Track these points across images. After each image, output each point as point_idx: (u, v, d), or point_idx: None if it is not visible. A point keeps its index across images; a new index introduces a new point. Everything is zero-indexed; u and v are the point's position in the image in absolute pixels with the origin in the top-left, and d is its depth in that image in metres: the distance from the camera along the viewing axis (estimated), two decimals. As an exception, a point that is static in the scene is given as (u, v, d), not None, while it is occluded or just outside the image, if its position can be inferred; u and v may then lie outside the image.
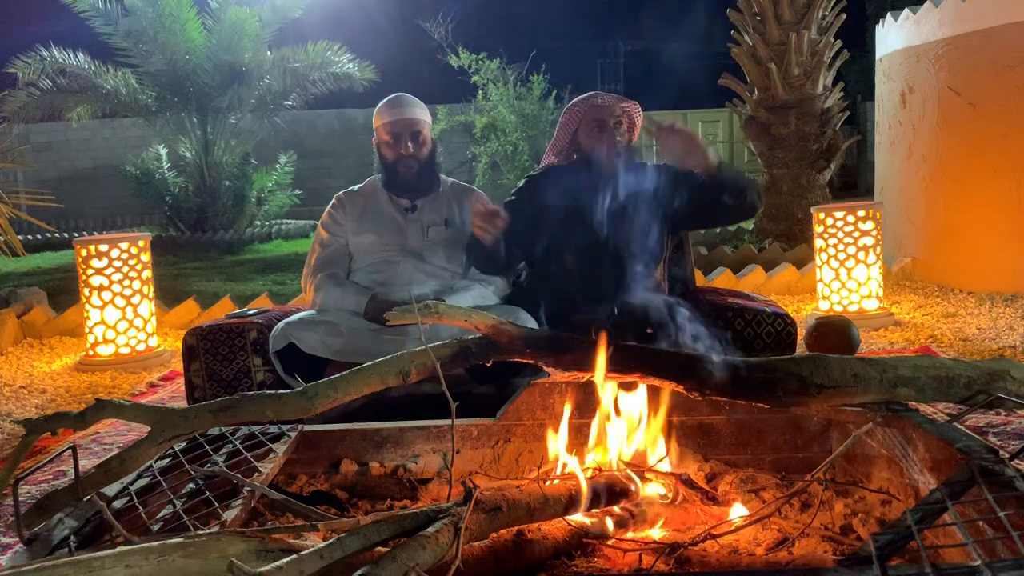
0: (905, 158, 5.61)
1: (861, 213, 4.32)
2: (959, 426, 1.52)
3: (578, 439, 1.82)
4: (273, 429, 1.91)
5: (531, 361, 1.71)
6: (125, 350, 4.11)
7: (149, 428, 1.47)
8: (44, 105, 10.14)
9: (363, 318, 2.61)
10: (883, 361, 1.60)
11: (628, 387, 1.78)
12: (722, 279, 5.18)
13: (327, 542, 1.10)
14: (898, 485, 1.68)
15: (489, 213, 2.45)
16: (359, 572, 1.05)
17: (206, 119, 10.27)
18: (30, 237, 10.84)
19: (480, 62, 12.62)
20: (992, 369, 1.58)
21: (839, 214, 4.35)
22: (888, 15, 5.89)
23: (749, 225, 7.50)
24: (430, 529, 1.19)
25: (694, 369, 1.58)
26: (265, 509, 1.76)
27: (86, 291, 4.08)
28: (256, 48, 10.19)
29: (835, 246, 4.35)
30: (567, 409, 1.78)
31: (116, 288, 4.07)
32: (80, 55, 10.06)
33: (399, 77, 9.23)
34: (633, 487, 1.68)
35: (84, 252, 4.06)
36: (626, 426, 1.79)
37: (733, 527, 1.53)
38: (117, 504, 1.52)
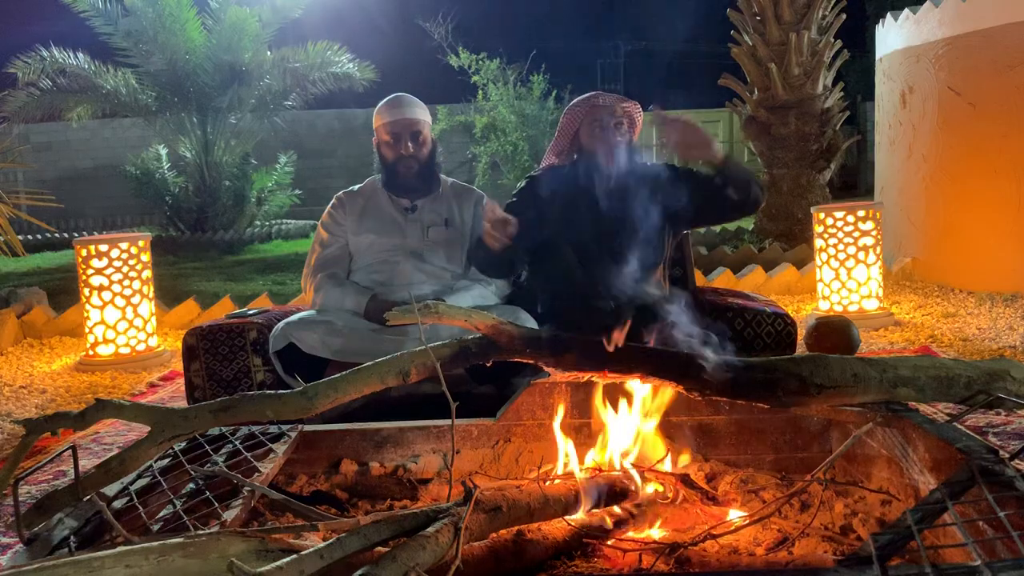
0: (905, 158, 5.61)
1: (861, 213, 4.32)
2: (959, 426, 1.53)
3: (578, 439, 1.82)
4: (273, 429, 1.91)
5: (531, 361, 1.71)
6: (125, 350, 4.11)
7: (149, 428, 1.47)
8: (44, 105, 10.14)
9: (363, 318, 2.61)
10: (883, 361, 1.60)
11: (627, 387, 1.78)
12: (722, 279, 5.18)
13: (327, 542, 1.10)
14: (898, 485, 1.68)
15: (500, 221, 2.43)
16: (359, 572, 1.05)
17: (206, 119, 10.27)
18: (30, 237, 10.84)
19: (480, 62, 12.61)
20: (992, 369, 1.59)
21: (839, 214, 4.35)
22: (888, 15, 5.89)
23: (749, 225, 7.50)
24: (430, 529, 1.19)
25: (694, 369, 1.58)
26: (265, 509, 1.76)
27: (86, 291, 4.08)
28: (256, 48, 10.19)
29: (835, 246, 4.35)
30: (561, 409, 1.78)
31: (116, 288, 4.07)
32: (80, 55, 10.06)
33: (399, 77, 9.23)
34: (633, 487, 1.68)
35: (84, 252, 4.06)
36: (626, 426, 1.79)
37: (733, 527, 1.53)
38: (117, 504, 1.52)
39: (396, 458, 1.99)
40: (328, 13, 13.47)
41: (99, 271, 4.04)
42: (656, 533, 1.57)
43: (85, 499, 1.43)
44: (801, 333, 3.28)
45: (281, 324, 2.59)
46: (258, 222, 11.05)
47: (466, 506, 1.27)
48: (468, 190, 2.97)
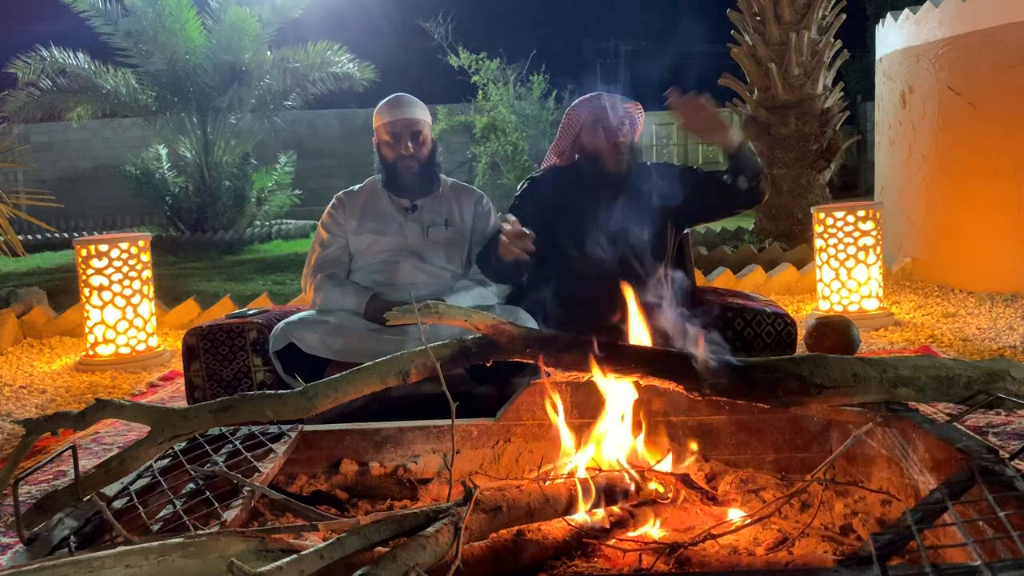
0: (905, 158, 5.61)
1: (861, 213, 4.32)
2: (959, 426, 1.52)
3: (578, 439, 1.82)
4: (273, 429, 1.91)
5: (531, 361, 1.71)
6: (125, 350, 4.11)
7: (149, 428, 1.47)
8: (44, 105, 10.15)
9: (363, 318, 2.61)
10: (883, 361, 1.60)
11: (626, 387, 1.78)
12: (722, 279, 5.18)
13: (327, 542, 1.10)
14: (898, 485, 1.68)
15: (517, 234, 2.42)
16: (359, 572, 1.05)
17: (206, 119, 10.27)
18: (30, 237, 10.84)
19: (480, 62, 12.61)
20: (992, 369, 1.59)
21: (839, 214, 4.35)
22: (888, 15, 5.89)
23: (749, 225, 7.51)
24: (430, 529, 1.19)
25: (694, 369, 1.58)
26: (265, 509, 1.76)
27: (86, 291, 4.08)
28: (256, 48, 10.19)
29: (835, 246, 4.35)
30: (562, 409, 1.78)
31: (116, 288, 4.07)
32: (80, 55, 10.07)
33: (399, 77, 9.23)
34: (633, 487, 1.68)
35: (84, 252, 4.06)
36: (625, 426, 1.79)
37: (733, 527, 1.53)
38: (117, 504, 1.52)
39: (396, 458, 1.99)
40: (328, 13, 13.47)
41: (99, 271, 4.04)
42: (656, 533, 1.57)
43: (85, 499, 1.43)
44: (801, 333, 3.28)
45: (281, 324, 2.59)
46: (258, 222, 11.06)
47: (466, 506, 1.27)
48: (468, 190, 2.97)
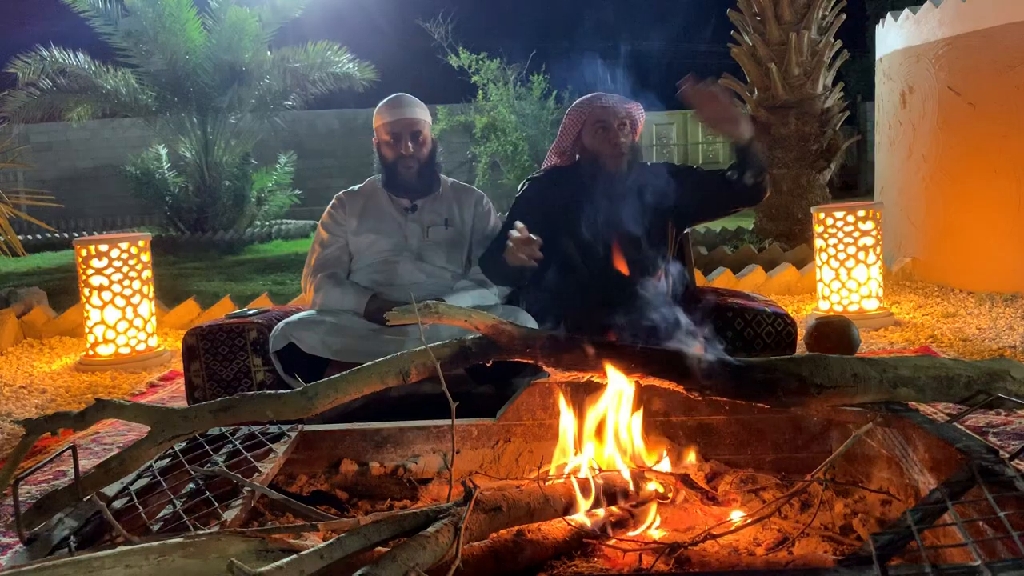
0: (905, 158, 5.61)
1: (861, 213, 4.32)
2: (959, 426, 1.52)
3: (579, 439, 1.82)
4: (273, 429, 1.91)
5: (531, 361, 1.71)
6: (125, 350, 4.11)
7: (149, 428, 1.47)
8: (44, 105, 10.15)
9: (363, 318, 2.61)
10: (883, 361, 1.60)
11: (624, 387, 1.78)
12: (722, 279, 5.18)
13: (327, 542, 1.10)
14: (898, 485, 1.68)
15: (525, 240, 2.41)
16: (359, 572, 1.05)
17: (206, 119, 10.27)
18: (30, 237, 10.84)
19: (480, 62, 12.60)
20: (992, 369, 1.59)
21: (839, 214, 4.35)
22: (888, 15, 5.89)
23: (749, 225, 7.50)
24: (430, 529, 1.19)
25: (694, 369, 1.58)
26: (265, 509, 1.76)
27: (86, 291, 4.08)
28: (256, 48, 10.19)
29: (835, 246, 4.35)
30: (564, 409, 1.78)
31: (116, 288, 4.07)
32: (80, 55, 10.07)
33: (399, 77, 9.23)
34: (633, 487, 1.68)
35: (84, 252, 4.06)
36: (625, 426, 1.79)
37: (733, 527, 1.53)
38: (117, 504, 1.52)
39: (396, 458, 1.99)
40: (328, 13, 13.47)
41: (99, 271, 4.04)
42: (656, 533, 1.57)
43: (85, 499, 1.43)
44: (801, 333, 3.28)
45: (281, 324, 2.59)
46: (258, 222, 11.06)
47: (466, 506, 1.27)
48: (468, 190, 2.97)
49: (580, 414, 1.84)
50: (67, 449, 1.52)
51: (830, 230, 4.36)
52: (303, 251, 7.80)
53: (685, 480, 1.76)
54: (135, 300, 4.12)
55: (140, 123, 11.30)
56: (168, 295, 5.60)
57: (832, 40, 6.79)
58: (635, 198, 2.66)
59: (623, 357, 1.64)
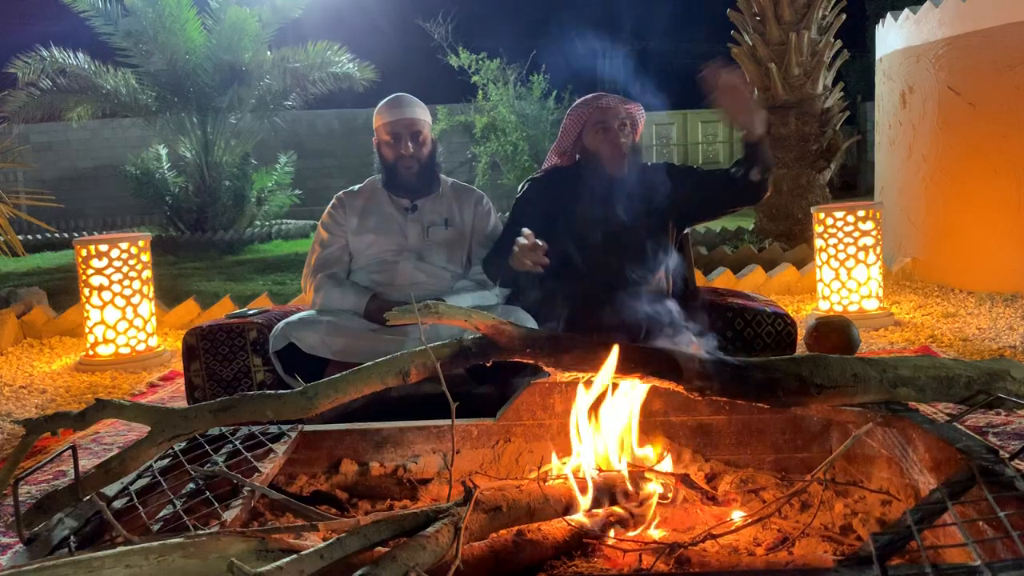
0: (905, 158, 5.61)
1: (861, 213, 4.32)
2: (959, 426, 1.52)
3: (579, 439, 1.82)
4: (273, 429, 1.91)
5: (531, 361, 1.71)
6: (125, 350, 4.11)
7: (149, 428, 1.47)
8: (44, 105, 10.15)
9: (363, 318, 2.62)
10: (883, 361, 1.60)
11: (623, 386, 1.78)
12: (722, 279, 5.18)
13: (327, 542, 1.10)
14: (898, 485, 1.68)
15: (532, 247, 2.40)
16: (359, 572, 1.05)
17: (206, 119, 10.27)
18: (30, 237, 10.84)
19: (480, 62, 12.61)
20: (992, 369, 1.59)
21: (839, 214, 4.35)
22: (888, 15, 5.89)
23: (749, 225, 7.50)
24: (430, 529, 1.19)
25: (694, 369, 1.58)
26: (265, 509, 1.76)
27: (86, 291, 4.08)
28: (256, 48, 10.19)
29: (835, 246, 4.35)
30: (567, 409, 1.78)
31: (116, 288, 4.07)
32: (80, 55, 10.07)
33: (399, 77, 9.22)
34: (633, 487, 1.68)
35: (84, 252, 4.06)
36: (625, 426, 1.79)
37: (733, 527, 1.53)
38: (117, 504, 1.52)
39: (396, 458, 1.99)
40: (328, 13, 13.47)
41: (99, 271, 4.04)
42: (656, 533, 1.57)
43: (85, 499, 1.43)
44: (801, 333, 3.28)
45: (281, 324, 2.59)
46: (258, 222, 11.06)
47: (466, 506, 1.27)
48: (468, 190, 2.97)
49: (580, 414, 1.84)
50: (67, 449, 1.52)
51: (830, 230, 4.36)
52: (303, 251, 7.80)
53: (685, 480, 1.76)
54: (135, 300, 4.12)
55: (140, 123, 11.30)
56: (168, 295, 5.60)
57: (832, 40, 6.79)
58: (635, 198, 2.66)
59: (623, 357, 1.64)
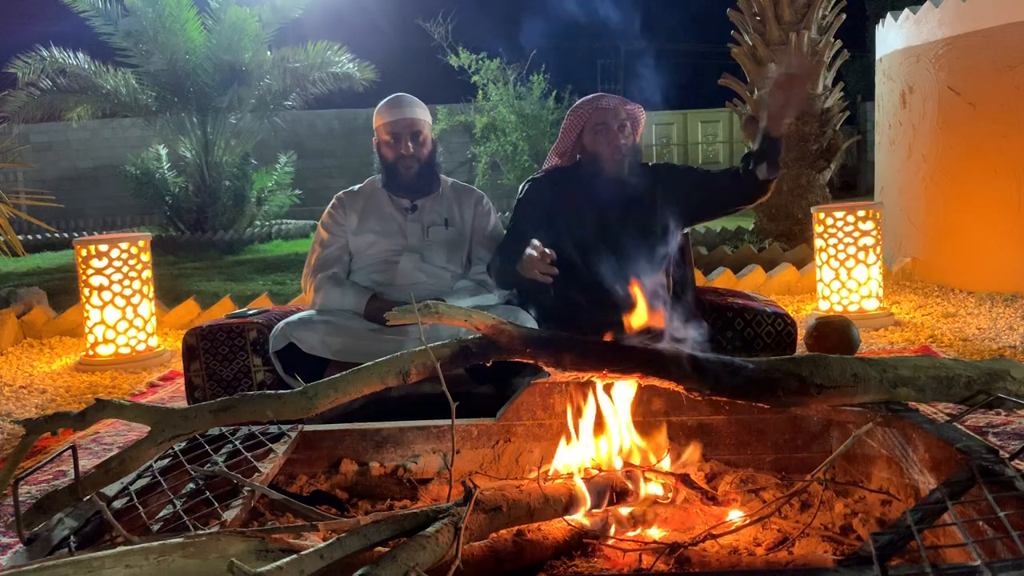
0: (905, 158, 5.61)
1: (861, 213, 4.32)
2: (959, 426, 1.52)
3: (579, 439, 1.82)
4: (273, 429, 1.91)
5: (531, 361, 1.71)
6: (125, 350, 4.11)
7: (149, 428, 1.47)
8: (44, 105, 10.15)
9: (363, 318, 2.62)
10: (883, 361, 1.60)
11: (623, 387, 1.78)
12: (722, 279, 5.18)
13: (327, 542, 1.10)
14: (898, 485, 1.68)
15: (543, 257, 2.39)
16: (359, 572, 1.05)
17: (206, 119, 10.27)
18: (30, 237, 10.84)
19: (480, 62, 12.61)
20: (992, 369, 1.59)
21: (839, 214, 4.35)
22: (888, 15, 5.89)
23: (749, 225, 7.50)
24: (430, 529, 1.19)
25: (694, 369, 1.58)
26: (265, 509, 1.76)
27: (86, 291, 4.08)
28: (256, 48, 10.19)
29: (835, 246, 4.35)
30: (568, 409, 1.78)
31: (116, 288, 4.07)
32: (80, 55, 10.07)
33: (399, 77, 9.22)
34: (633, 487, 1.68)
35: (84, 252, 4.06)
36: (625, 426, 1.79)
37: (733, 527, 1.53)
38: (117, 504, 1.52)
39: (396, 458, 1.99)
40: (328, 13, 13.47)
41: (99, 271, 4.04)
42: (656, 533, 1.57)
43: (85, 499, 1.43)
44: (801, 333, 3.28)
45: (281, 324, 2.59)
46: (258, 222, 11.06)
47: (466, 506, 1.27)
48: (468, 190, 2.97)
49: (580, 413, 1.84)
50: (67, 449, 1.52)
51: (830, 230, 4.36)
52: (303, 251, 7.80)
53: (685, 480, 1.76)
54: (135, 300, 4.12)
55: (140, 123, 11.31)
56: (168, 295, 5.60)
57: (832, 40, 6.79)
58: (636, 199, 2.66)
59: (623, 357, 1.64)
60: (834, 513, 1.67)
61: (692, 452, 1.89)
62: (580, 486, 1.61)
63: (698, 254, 6.20)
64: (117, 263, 4.06)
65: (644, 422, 1.87)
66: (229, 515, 1.43)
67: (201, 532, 1.29)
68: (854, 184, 13.68)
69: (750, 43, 6.99)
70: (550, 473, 1.74)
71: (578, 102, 2.80)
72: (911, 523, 1.15)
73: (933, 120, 5.23)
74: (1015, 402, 1.52)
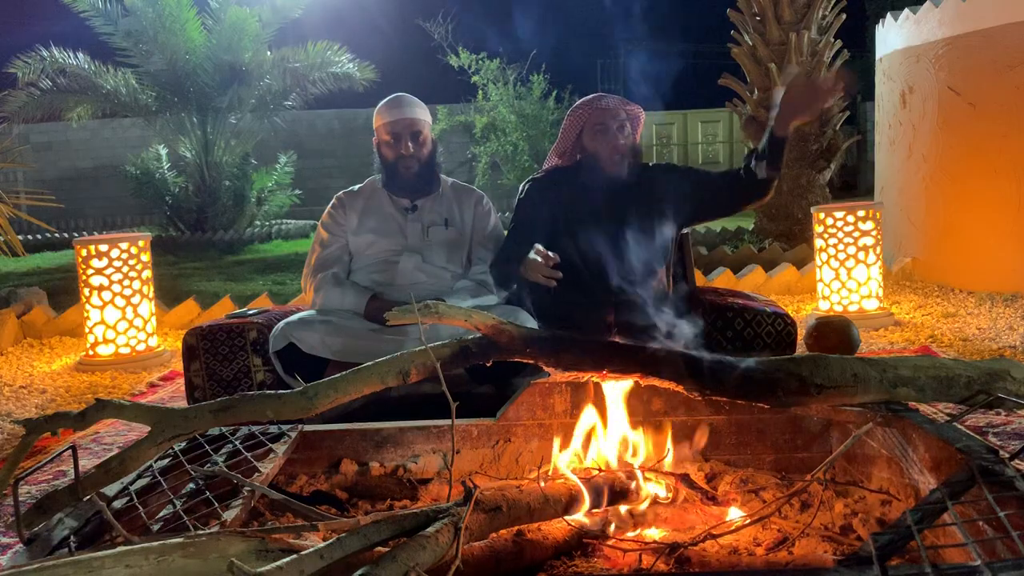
0: (905, 158, 5.61)
1: (861, 213, 4.32)
2: (959, 426, 1.52)
3: (579, 439, 1.82)
4: (273, 429, 1.91)
5: (531, 361, 1.71)
6: (125, 350, 4.11)
7: (149, 428, 1.47)
8: (44, 105, 10.15)
9: (363, 318, 2.62)
10: (883, 361, 1.60)
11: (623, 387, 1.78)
12: (722, 279, 5.18)
13: (327, 542, 1.10)
14: (898, 485, 1.68)
15: (546, 260, 2.39)
16: (359, 572, 1.05)
17: (206, 119, 10.28)
18: (30, 237, 10.84)
19: (480, 62, 12.62)
20: (992, 369, 1.58)
21: (839, 214, 4.35)
22: (888, 15, 5.89)
23: (749, 225, 7.50)
24: (430, 529, 1.19)
25: (694, 369, 1.58)
26: (265, 509, 1.76)
27: (86, 291, 4.08)
28: (256, 48, 10.19)
29: (835, 246, 4.35)
30: (566, 409, 1.78)
31: (116, 288, 4.07)
32: (80, 55, 10.07)
33: (399, 77, 9.22)
34: (633, 487, 1.68)
35: (84, 252, 4.06)
36: (625, 426, 1.79)
37: (733, 527, 1.53)
38: (117, 504, 1.52)
39: (396, 458, 1.99)
40: (328, 13, 13.47)
41: (99, 271, 4.04)
42: (656, 533, 1.57)
43: (85, 499, 1.43)
44: (801, 333, 3.28)
45: (281, 324, 2.59)
46: (258, 222, 11.06)
47: (466, 506, 1.27)
48: (468, 190, 2.97)
49: (580, 414, 1.84)
50: (67, 449, 1.52)
51: (830, 230, 4.36)
52: (303, 251, 7.80)
53: (685, 480, 1.76)
54: (135, 300, 4.12)
55: (140, 123, 11.31)
56: (168, 295, 5.60)
57: (832, 40, 6.79)
58: (635, 199, 2.66)
59: (623, 357, 1.64)
60: (834, 513, 1.67)
61: (700, 437, 1.89)
62: (580, 486, 1.61)
63: (698, 254, 6.20)
64: (117, 263, 4.06)
65: (644, 422, 1.87)
66: (229, 515, 1.43)
67: (201, 532, 1.29)
68: (854, 184, 13.68)
69: (750, 43, 6.99)
70: (550, 473, 1.73)
71: (578, 102, 2.80)
72: (911, 523, 1.15)
73: (933, 120, 5.23)
74: (1015, 402, 1.52)
